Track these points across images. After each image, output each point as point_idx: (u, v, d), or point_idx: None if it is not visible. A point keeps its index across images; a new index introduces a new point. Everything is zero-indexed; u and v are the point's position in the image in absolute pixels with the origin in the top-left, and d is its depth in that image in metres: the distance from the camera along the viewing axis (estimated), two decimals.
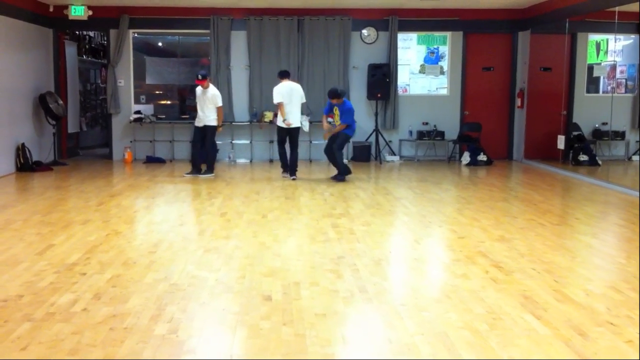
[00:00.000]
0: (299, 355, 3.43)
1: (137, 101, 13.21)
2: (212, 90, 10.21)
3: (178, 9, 12.40)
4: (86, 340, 3.58)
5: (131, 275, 4.84)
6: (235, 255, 5.45)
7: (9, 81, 10.56)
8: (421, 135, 12.81)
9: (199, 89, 10.22)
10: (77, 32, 13.85)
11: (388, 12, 12.62)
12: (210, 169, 10.28)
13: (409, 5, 12.26)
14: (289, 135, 10.00)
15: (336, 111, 9.88)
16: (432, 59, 13.16)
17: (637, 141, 11.16)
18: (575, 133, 11.54)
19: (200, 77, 10.04)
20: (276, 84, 10.17)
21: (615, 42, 10.88)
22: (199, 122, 10.26)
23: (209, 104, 10.09)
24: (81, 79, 14.07)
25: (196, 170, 10.29)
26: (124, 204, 8.00)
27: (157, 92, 14.57)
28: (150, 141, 12.76)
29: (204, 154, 10.29)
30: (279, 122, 10.00)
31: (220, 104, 10.15)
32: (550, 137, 11.53)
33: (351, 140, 11.23)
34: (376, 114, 12.52)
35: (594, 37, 11.68)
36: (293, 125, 9.88)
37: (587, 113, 11.75)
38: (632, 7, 9.18)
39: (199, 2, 11.88)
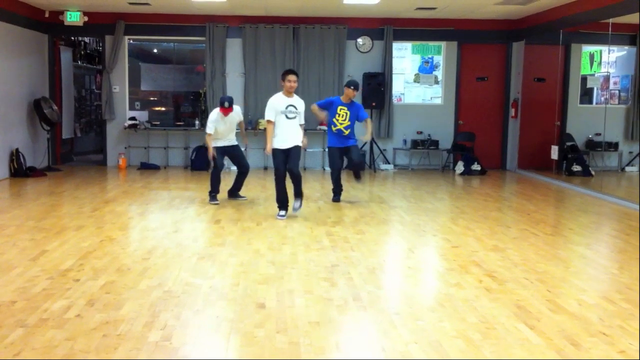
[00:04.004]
0: None
1: (131, 107, 13.21)
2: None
3: (174, 16, 12.42)
4: (79, 346, 3.57)
5: (125, 281, 4.83)
6: (229, 263, 5.45)
7: (3, 86, 10.54)
8: (415, 144, 12.85)
9: (219, 114, 8.34)
10: (73, 38, 13.84)
11: (383, 22, 12.68)
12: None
13: (404, 15, 12.31)
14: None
15: (342, 111, 8.48)
16: (426, 69, 13.22)
17: (630, 152, 11.21)
18: (569, 143, 11.59)
19: (227, 105, 8.27)
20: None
21: (609, 53, 10.95)
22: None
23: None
24: (76, 84, 14.05)
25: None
26: (118, 210, 7.98)
27: (152, 98, 14.56)
28: (145, 148, 12.75)
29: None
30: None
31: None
32: (544, 147, 11.57)
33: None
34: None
35: (588, 49, 11.74)
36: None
37: (581, 124, 11.81)
38: (626, 19, 9.25)
39: (195, 10, 11.90)
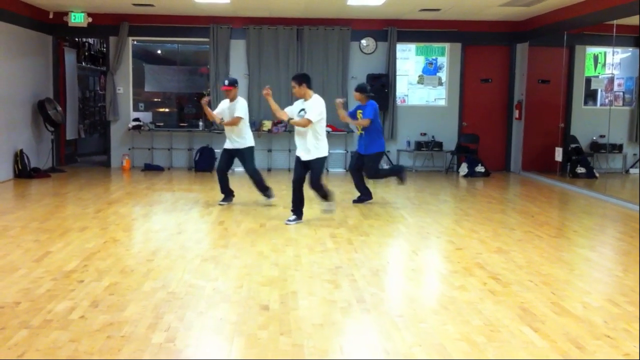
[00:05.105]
0: None
1: (135, 109, 13.22)
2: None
3: (178, 17, 12.43)
4: (83, 348, 3.57)
5: (129, 283, 4.83)
6: (233, 265, 5.45)
7: (7, 87, 10.56)
8: (419, 145, 12.83)
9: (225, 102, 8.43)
10: (77, 39, 13.88)
11: (387, 23, 12.67)
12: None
13: (408, 16, 12.30)
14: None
15: (359, 114, 8.55)
16: (430, 70, 13.21)
17: (634, 154, 11.19)
18: (573, 145, 11.57)
19: (227, 82, 8.40)
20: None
21: (613, 55, 10.93)
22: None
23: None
24: (80, 85, 14.08)
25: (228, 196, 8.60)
26: (121, 211, 7.99)
27: (155, 99, 14.59)
28: (149, 149, 12.76)
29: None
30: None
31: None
32: (548, 149, 11.55)
33: (349, 149, 10.95)
34: None
35: (592, 50, 11.72)
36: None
37: (585, 126, 11.79)
38: (631, 21, 9.23)
39: (199, 11, 11.91)
